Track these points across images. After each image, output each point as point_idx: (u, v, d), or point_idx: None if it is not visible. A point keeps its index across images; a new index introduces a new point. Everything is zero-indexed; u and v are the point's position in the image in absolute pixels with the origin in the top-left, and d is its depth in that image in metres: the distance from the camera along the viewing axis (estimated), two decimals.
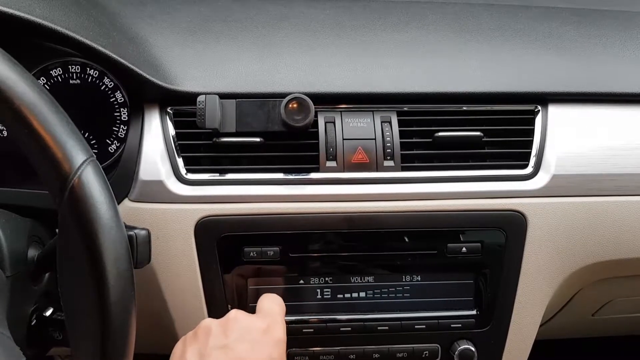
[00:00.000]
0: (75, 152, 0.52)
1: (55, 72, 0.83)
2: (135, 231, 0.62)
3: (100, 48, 0.76)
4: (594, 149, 0.86)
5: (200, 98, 0.78)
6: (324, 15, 1.00)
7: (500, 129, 0.86)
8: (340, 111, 0.84)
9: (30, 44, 0.81)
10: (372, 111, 0.84)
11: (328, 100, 0.84)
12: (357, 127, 0.83)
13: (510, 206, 0.83)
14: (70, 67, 0.83)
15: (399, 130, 0.83)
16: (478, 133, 0.84)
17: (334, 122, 0.83)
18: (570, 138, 0.86)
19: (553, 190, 0.84)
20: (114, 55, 0.77)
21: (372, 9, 1.03)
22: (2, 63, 0.52)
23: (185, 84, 0.81)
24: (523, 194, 0.84)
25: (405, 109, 0.85)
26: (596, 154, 0.86)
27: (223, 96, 0.80)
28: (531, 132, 0.86)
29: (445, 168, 0.84)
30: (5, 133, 0.84)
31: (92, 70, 0.83)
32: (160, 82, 0.79)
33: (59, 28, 0.73)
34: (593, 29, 1.01)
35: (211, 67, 0.85)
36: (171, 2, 1.01)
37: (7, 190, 0.78)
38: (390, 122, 0.83)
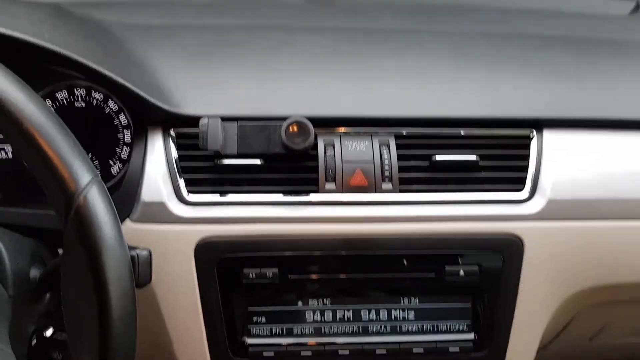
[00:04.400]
0: (82, 172, 0.53)
1: (60, 95, 0.85)
2: (137, 251, 0.63)
3: (106, 71, 0.78)
4: (590, 173, 0.88)
5: (203, 120, 0.80)
6: (324, 41, 1.02)
7: (496, 154, 0.87)
8: (340, 134, 0.86)
9: (37, 66, 0.82)
10: (371, 134, 0.86)
11: (328, 124, 0.85)
12: (356, 150, 0.84)
13: (507, 229, 0.84)
14: (75, 90, 0.85)
15: (397, 154, 0.84)
16: (475, 157, 0.86)
17: (333, 145, 0.84)
18: (566, 163, 0.88)
19: (549, 214, 0.85)
20: (118, 79, 0.78)
21: (371, 37, 1.05)
22: (11, 85, 0.53)
23: (188, 107, 0.83)
24: (519, 217, 0.85)
25: (403, 132, 0.86)
26: (592, 178, 0.87)
27: (225, 119, 0.82)
28: (527, 157, 0.87)
29: (442, 191, 0.85)
30: (10, 154, 0.85)
31: (97, 94, 0.85)
32: (163, 105, 0.81)
33: (65, 52, 0.75)
34: (588, 57, 1.04)
35: (214, 90, 0.87)
36: (176, 28, 1.04)
37: (11, 210, 0.79)
38: (388, 146, 0.85)
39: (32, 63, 0.81)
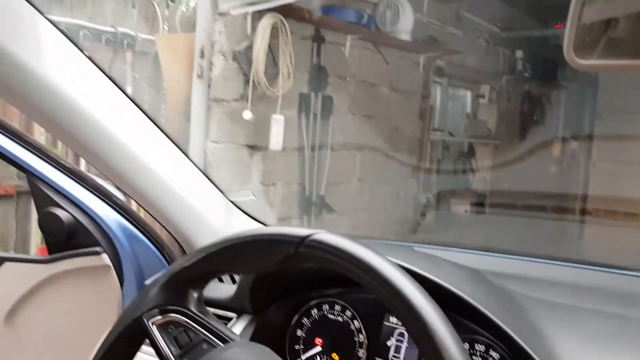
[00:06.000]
0: None
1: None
2: None
3: (512, 333, 0.85)
4: None
5: None
6: None
7: None
8: None
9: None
10: None
11: None
12: None
13: None
14: (475, 344, 0.95)
15: None
16: None
17: None
18: None
19: None
20: (521, 342, 0.85)
21: None
22: (444, 325, 0.66)
23: None
24: None
25: None
26: None
27: None
28: None
29: None
30: None
31: (494, 352, 0.92)
32: None
33: (484, 310, 0.87)
34: None
35: None
36: (579, 309, 1.06)
37: None
38: None
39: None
